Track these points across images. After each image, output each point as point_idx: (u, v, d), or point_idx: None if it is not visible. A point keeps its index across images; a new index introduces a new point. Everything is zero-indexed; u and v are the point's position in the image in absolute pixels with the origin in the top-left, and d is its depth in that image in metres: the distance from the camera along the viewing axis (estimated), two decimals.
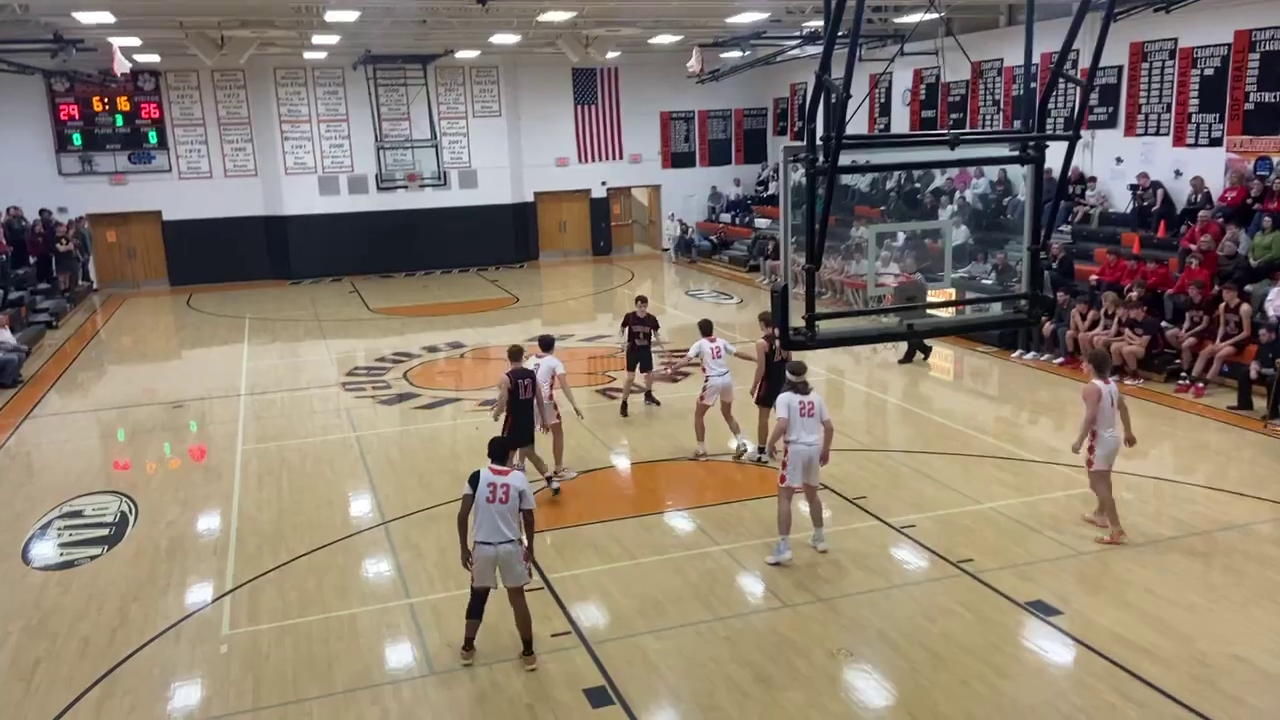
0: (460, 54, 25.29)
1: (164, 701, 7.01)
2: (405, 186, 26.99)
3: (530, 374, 10.24)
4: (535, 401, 10.24)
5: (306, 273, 27.07)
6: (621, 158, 29.33)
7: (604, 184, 29.47)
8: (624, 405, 13.49)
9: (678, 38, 22.91)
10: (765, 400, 10.70)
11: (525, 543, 7.23)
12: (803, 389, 8.59)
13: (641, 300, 13.64)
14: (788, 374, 8.81)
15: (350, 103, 26.72)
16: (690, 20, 21.03)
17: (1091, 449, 8.82)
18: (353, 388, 15.65)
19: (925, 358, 15.78)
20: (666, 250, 30.02)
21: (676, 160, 30.00)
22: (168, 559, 9.35)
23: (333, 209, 27.01)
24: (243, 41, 20.56)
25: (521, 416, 10.12)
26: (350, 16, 17.95)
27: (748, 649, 7.34)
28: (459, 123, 27.82)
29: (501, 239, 28.41)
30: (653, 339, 13.48)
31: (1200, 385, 13.21)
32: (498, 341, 18.86)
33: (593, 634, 7.66)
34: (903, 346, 15.67)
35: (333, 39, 21.24)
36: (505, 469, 7.22)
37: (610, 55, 24.41)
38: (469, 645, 7.34)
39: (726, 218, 29.17)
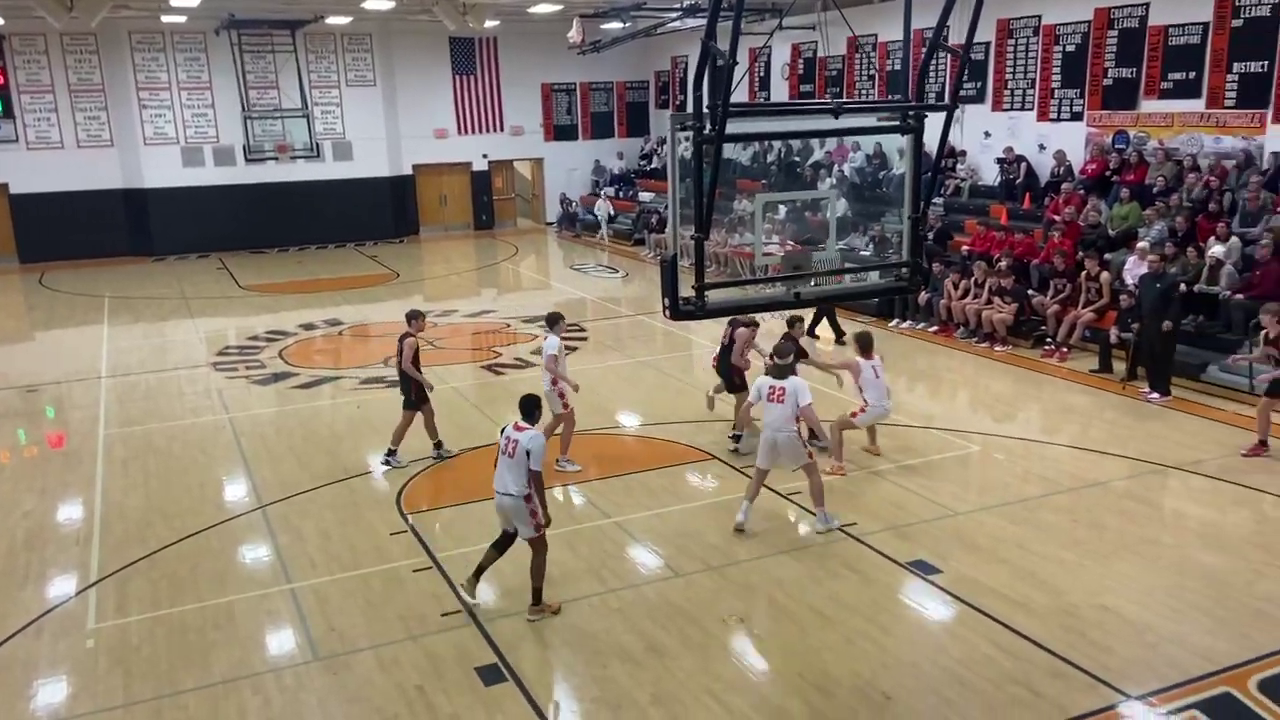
0: (331, 20, 24.36)
1: (26, 700, 6.58)
2: (275, 158, 25.88)
3: (400, 340, 10.38)
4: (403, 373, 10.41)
5: (170, 249, 25.74)
6: (503, 130, 28.83)
7: (485, 156, 28.93)
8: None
9: (558, 7, 22.58)
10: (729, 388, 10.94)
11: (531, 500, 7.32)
12: (777, 374, 8.56)
13: (793, 323, 10.94)
14: (772, 355, 8.87)
15: (214, 70, 25.43)
16: None
17: (863, 409, 10.09)
18: (224, 368, 14.99)
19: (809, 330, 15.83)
20: (549, 224, 29.76)
21: (559, 133, 29.67)
22: (25, 550, 8.78)
23: (197, 181, 25.72)
24: (93, 3, 19.32)
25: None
26: None
27: (640, 619, 7.35)
28: (331, 92, 26.84)
29: (379, 213, 27.61)
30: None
31: (1064, 350, 13.87)
32: (378, 318, 18.38)
33: (483, 612, 7.53)
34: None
35: (192, 1, 20.14)
36: (526, 425, 7.26)
37: (489, 24, 23.93)
38: (475, 574, 7.56)
39: (610, 191, 29.05)
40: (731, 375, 10.83)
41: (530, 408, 7.44)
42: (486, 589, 7.94)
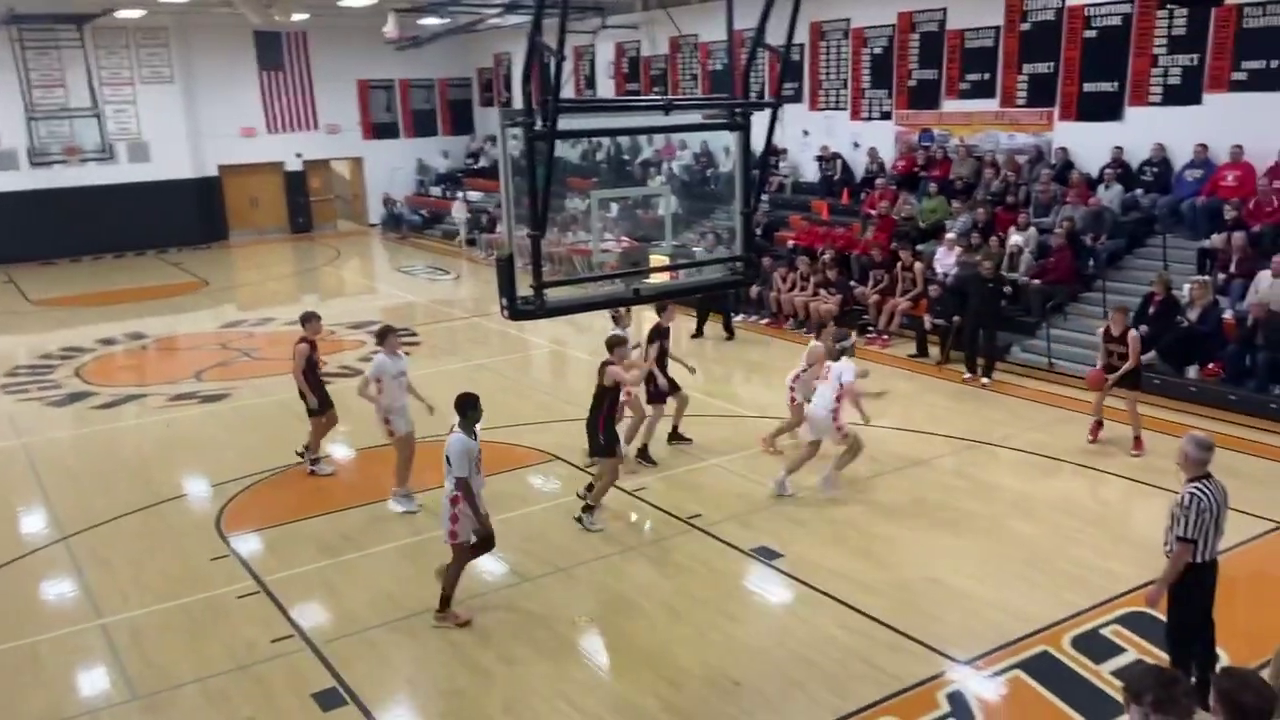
0: (122, 13, 22.68)
1: None
2: (64, 161, 23.93)
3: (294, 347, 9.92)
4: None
5: None
6: (317, 128, 27.66)
7: (299, 156, 27.70)
8: (644, 449, 10.29)
9: (372, 1, 21.83)
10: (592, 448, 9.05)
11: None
12: (830, 356, 9.25)
13: (664, 308, 10.21)
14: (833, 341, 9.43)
15: None
16: None
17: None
18: (14, 390, 13.71)
19: (729, 337, 15.40)
20: (372, 226, 28.82)
21: (379, 131, 28.74)
22: None
23: None
24: None
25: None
26: None
27: (488, 628, 7.16)
28: (125, 90, 25.04)
29: (184, 217, 25.94)
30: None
31: (886, 337, 14.53)
32: (186, 330, 17.29)
33: (318, 634, 7.16)
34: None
35: None
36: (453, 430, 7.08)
37: (297, 17, 22.91)
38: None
39: (437, 191, 28.39)
40: (599, 429, 8.66)
41: (461, 407, 7.10)
42: (322, 611, 7.57)
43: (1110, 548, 8.14)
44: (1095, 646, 6.68)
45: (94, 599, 7.76)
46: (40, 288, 21.42)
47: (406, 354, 9.49)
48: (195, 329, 17.36)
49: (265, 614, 7.44)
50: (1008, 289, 13.31)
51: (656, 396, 10.11)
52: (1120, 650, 6.63)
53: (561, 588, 7.76)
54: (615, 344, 8.91)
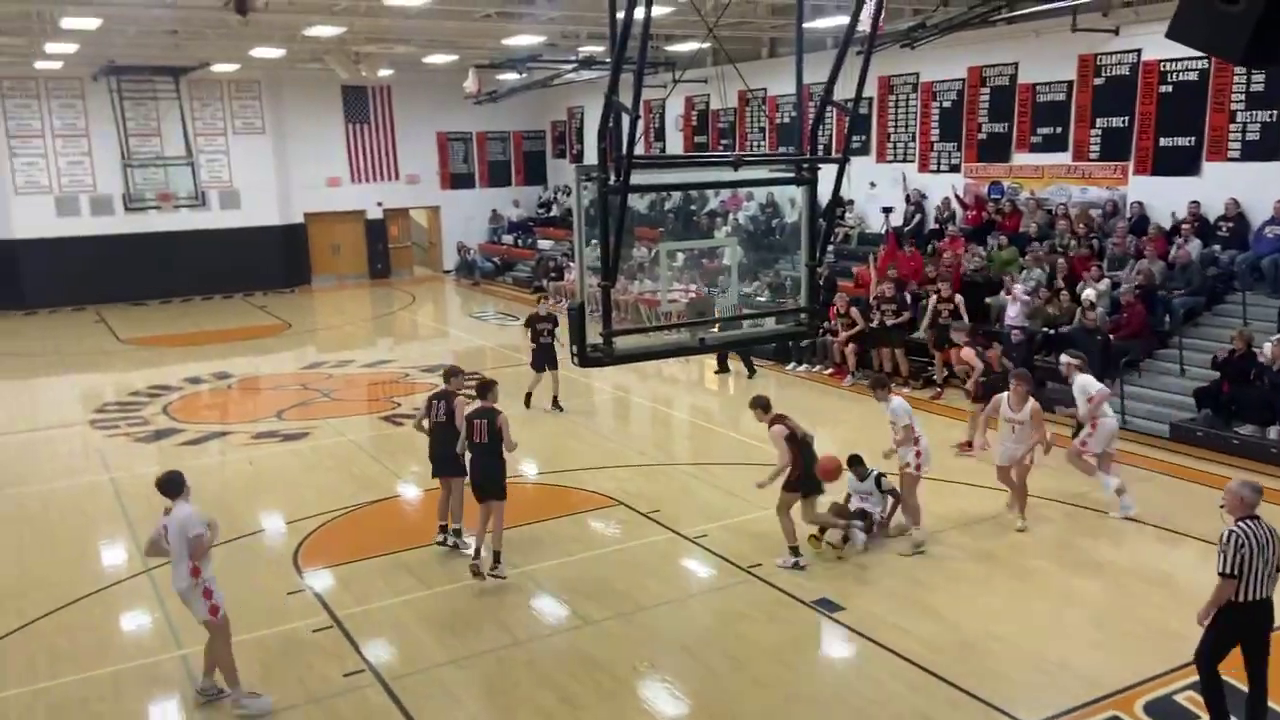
0: (217, 67, 23.86)
1: None
2: (158, 207, 25.04)
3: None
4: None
5: (42, 302, 24.53)
6: (397, 178, 28.58)
7: (380, 205, 28.63)
8: (527, 398, 14.06)
9: (453, 58, 22.66)
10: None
11: None
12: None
13: (543, 297, 12.82)
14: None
15: (91, 117, 24.58)
16: (466, 41, 20.86)
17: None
18: (103, 425, 14.32)
19: (750, 375, 15.81)
20: (446, 273, 29.53)
21: (455, 181, 29.59)
22: None
23: (73, 231, 24.68)
24: None
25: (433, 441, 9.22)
26: (90, 24, 16.48)
27: (550, 670, 7.27)
28: (218, 140, 26.22)
29: (269, 262, 26.94)
30: (556, 336, 13.73)
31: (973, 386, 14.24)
32: (269, 370, 17.89)
33: (388, 670, 7.35)
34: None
35: (69, 48, 19.47)
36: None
37: (383, 73, 23.83)
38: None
39: (509, 239, 29.06)
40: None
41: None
42: (391, 647, 7.75)
43: (1179, 611, 7.91)
44: (1170, 713, 6.54)
45: (175, 630, 8.03)
46: (130, 327, 22.36)
47: None
48: (277, 369, 17.95)
49: (338, 648, 7.64)
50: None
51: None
52: (1195, 718, 6.46)
53: (621, 632, 7.84)
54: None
